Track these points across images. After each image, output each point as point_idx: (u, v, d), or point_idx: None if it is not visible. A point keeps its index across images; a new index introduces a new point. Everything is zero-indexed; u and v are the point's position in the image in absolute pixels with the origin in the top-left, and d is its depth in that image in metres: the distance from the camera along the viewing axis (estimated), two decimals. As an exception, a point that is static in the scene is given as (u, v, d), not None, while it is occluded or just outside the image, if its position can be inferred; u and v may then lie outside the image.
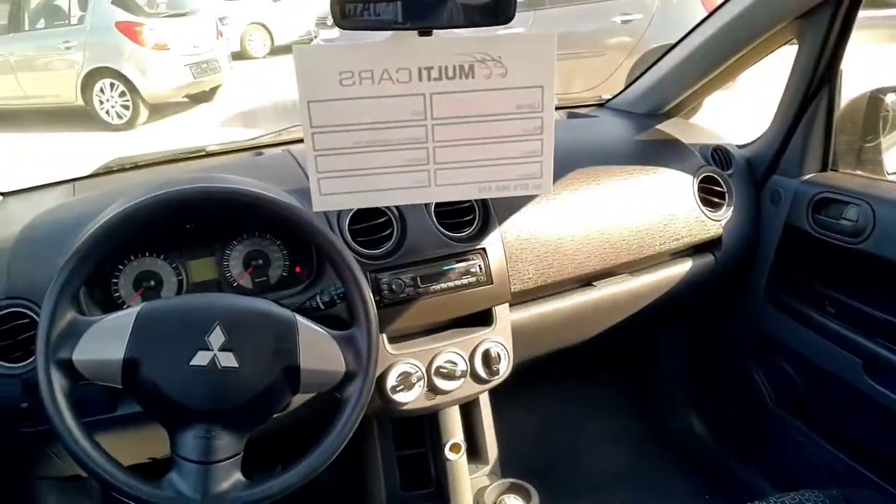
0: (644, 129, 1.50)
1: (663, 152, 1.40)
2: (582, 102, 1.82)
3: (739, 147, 1.52)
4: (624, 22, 5.82)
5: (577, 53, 5.88)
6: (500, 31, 0.98)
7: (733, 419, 1.65)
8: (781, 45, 1.39)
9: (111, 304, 1.05)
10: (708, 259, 1.39)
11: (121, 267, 1.05)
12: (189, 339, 0.80)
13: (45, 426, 0.96)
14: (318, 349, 0.86)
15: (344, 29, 0.86)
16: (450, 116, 0.94)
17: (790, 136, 1.38)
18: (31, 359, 0.96)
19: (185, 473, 0.80)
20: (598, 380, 1.83)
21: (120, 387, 0.81)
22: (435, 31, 0.89)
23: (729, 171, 1.42)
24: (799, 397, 1.44)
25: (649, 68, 1.62)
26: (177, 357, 0.79)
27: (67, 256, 0.80)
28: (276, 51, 11.21)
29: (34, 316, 0.97)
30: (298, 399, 0.99)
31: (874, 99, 1.37)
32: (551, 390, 1.75)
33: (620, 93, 1.71)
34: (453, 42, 0.90)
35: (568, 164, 1.29)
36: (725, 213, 1.38)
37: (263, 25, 11.39)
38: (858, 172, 1.37)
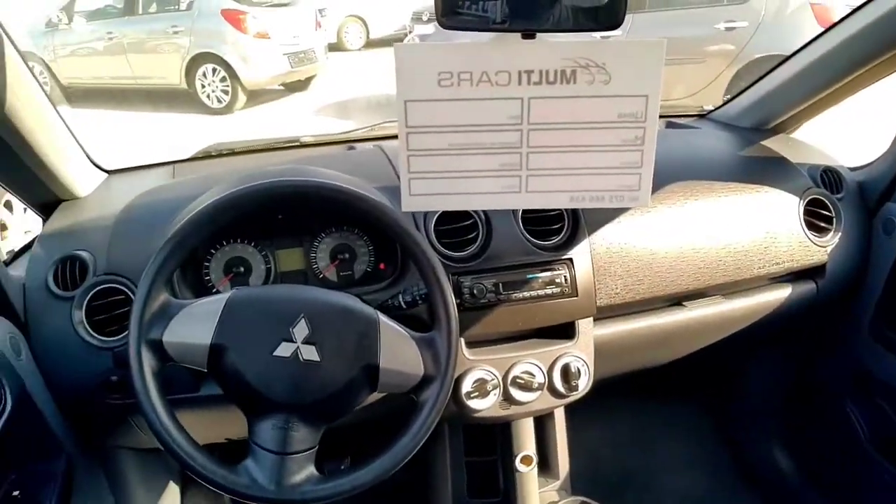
0: (748, 144, 1.43)
1: (768, 170, 1.33)
2: (682, 112, 1.75)
3: (851, 170, 1.42)
4: (728, 29, 5.59)
5: (675, 59, 5.69)
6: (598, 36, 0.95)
7: (822, 456, 1.55)
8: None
9: (201, 287, 1.08)
10: (809, 287, 1.30)
11: (213, 252, 1.08)
12: (274, 330, 0.81)
13: (131, 399, 1.00)
14: (399, 350, 0.85)
15: (445, 28, 0.84)
16: (546, 122, 0.92)
17: None
18: (124, 334, 1.00)
19: (261, 462, 0.81)
20: (679, 400, 1.76)
21: (205, 370, 0.82)
22: (538, 34, 0.87)
23: (839, 195, 1.33)
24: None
25: (758, 80, 1.53)
26: (261, 346, 0.81)
27: (165, 240, 0.82)
28: (371, 44, 11.41)
29: (129, 293, 1.01)
30: (372, 397, 0.99)
31: None
32: (628, 408, 1.69)
33: (724, 104, 1.63)
34: (558, 46, 0.88)
35: (665, 176, 1.24)
36: (832, 240, 1.29)
37: (360, 18, 11.60)
38: None
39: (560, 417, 1.30)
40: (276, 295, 0.87)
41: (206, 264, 1.08)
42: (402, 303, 0.98)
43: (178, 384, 1.01)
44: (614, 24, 0.93)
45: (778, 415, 1.67)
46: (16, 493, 0.94)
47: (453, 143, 0.92)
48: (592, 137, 0.94)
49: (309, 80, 8.20)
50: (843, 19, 1.30)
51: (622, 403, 1.68)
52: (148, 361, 0.80)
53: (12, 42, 0.97)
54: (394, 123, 1.63)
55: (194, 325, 0.82)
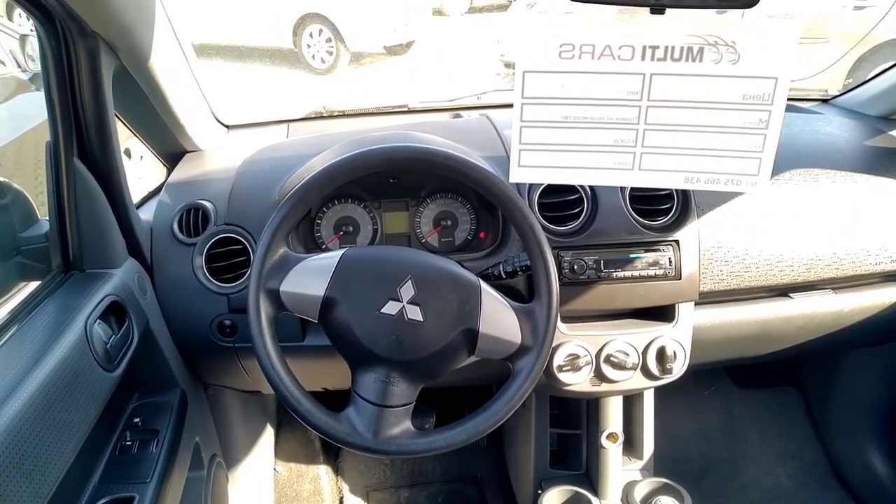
0: (875, 133, 1.35)
1: (894, 161, 1.25)
2: (805, 95, 1.66)
3: None
4: (857, 8, 5.22)
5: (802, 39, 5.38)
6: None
7: None
8: None
9: (312, 243, 1.13)
10: None
11: (324, 210, 1.12)
12: (382, 289, 0.84)
13: (241, 343, 1.07)
14: (498, 317, 0.87)
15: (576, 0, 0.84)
16: (667, 99, 0.91)
17: None
18: (240, 281, 1.07)
19: (362, 412, 0.85)
20: (771, 392, 1.70)
21: (316, 321, 0.87)
22: (667, 9, 0.85)
23: None
24: None
25: (891, 67, 1.44)
26: (370, 303, 0.84)
27: (286, 197, 0.86)
28: (473, 10, 11.29)
29: (247, 244, 1.07)
30: (469, 361, 1.02)
31: None
32: (718, 394, 1.65)
33: (850, 90, 1.54)
34: (687, 22, 0.86)
35: (783, 161, 1.19)
36: None
37: (465, -17, 11.48)
38: None
39: (649, 399, 1.29)
40: (386, 256, 0.90)
41: (318, 222, 1.12)
42: (503, 272, 0.99)
43: (286, 333, 1.06)
44: (750, 1, 0.89)
45: (876, 416, 1.59)
46: (137, 419, 1.03)
47: (568, 115, 0.91)
48: (714, 118, 0.91)
49: (409, 44, 8.23)
50: None
51: (717, 391, 1.64)
52: (265, 309, 0.85)
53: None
54: (500, 92, 1.62)
55: (310, 278, 0.86)
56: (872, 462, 1.57)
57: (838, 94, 1.59)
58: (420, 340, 0.84)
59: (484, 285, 0.88)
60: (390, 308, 0.84)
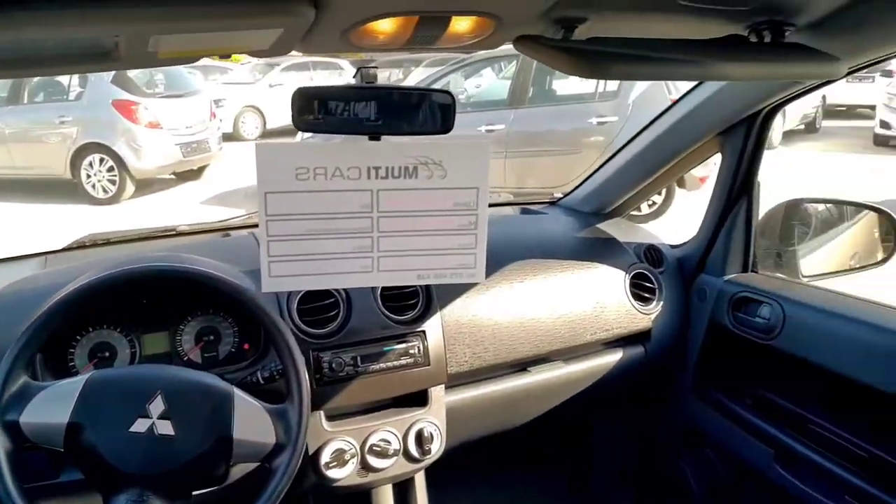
0: (586, 226, 1.62)
1: (601, 249, 1.52)
2: (538, 199, 1.95)
3: (673, 247, 1.64)
4: (599, 123, 6.17)
5: (557, 150, 6.22)
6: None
7: None
8: (709, 157, 1.54)
9: (65, 373, 1.10)
10: (638, 350, 1.48)
11: (78, 338, 1.11)
12: (130, 407, 0.86)
13: None
14: (252, 421, 0.92)
15: (299, 129, 0.97)
16: (394, 210, 1.05)
17: (715, 238, 1.50)
18: None
19: None
20: (537, 468, 1.86)
21: (62, 450, 0.85)
22: (383, 136, 1.01)
23: (661, 269, 1.53)
24: (721, 487, 1.50)
25: (596, 171, 1.76)
26: (117, 423, 0.85)
27: (25, 325, 0.87)
28: (267, 134, 11.55)
29: None
30: (237, 473, 1.04)
31: (791, 208, 1.51)
32: (489, 477, 1.77)
33: (571, 192, 1.84)
34: (401, 146, 1.02)
35: (511, 255, 1.40)
36: (655, 308, 1.48)
37: (258, 109, 11.77)
38: (778, 275, 1.49)
39: (421, 486, 1.37)
40: (134, 374, 0.92)
41: (71, 351, 1.11)
42: (261, 378, 1.04)
43: (37, 471, 1.01)
44: (446, 128, 1.09)
45: (626, 475, 1.80)
46: None
47: (311, 228, 1.03)
48: (434, 223, 1.08)
49: (202, 169, 8.18)
50: (652, 122, 1.55)
51: (483, 473, 1.76)
52: (3, 443, 0.82)
53: None
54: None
55: (52, 406, 0.85)
56: None
57: (562, 196, 1.89)
58: (172, 454, 0.86)
59: (238, 392, 0.93)
60: (139, 426, 0.85)
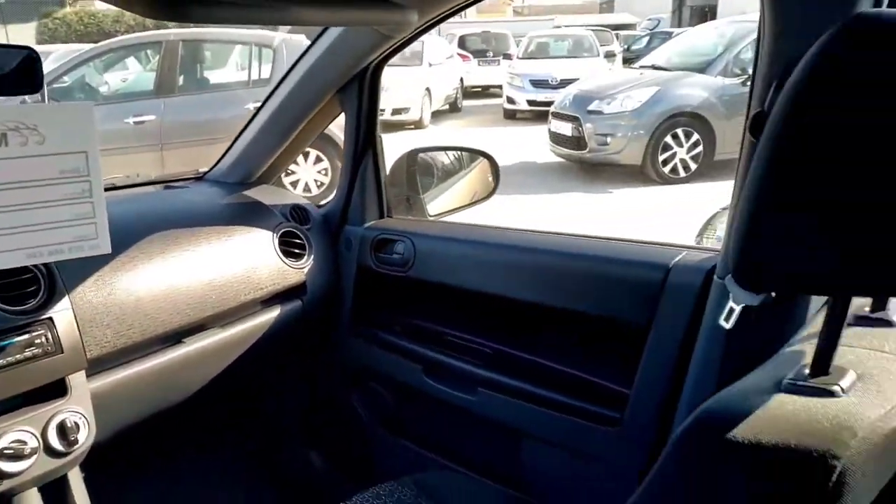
0: (230, 194, 1.63)
1: (247, 214, 1.53)
2: (181, 177, 1.88)
3: (319, 206, 1.74)
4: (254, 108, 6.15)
5: (217, 138, 6.04)
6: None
7: (343, 447, 1.80)
8: (336, 115, 1.65)
9: None
10: (296, 304, 1.54)
11: None
12: None
13: None
14: None
15: None
16: (-13, 185, 0.94)
17: (352, 192, 1.63)
18: None
19: None
20: (217, 446, 1.83)
21: None
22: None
23: (308, 226, 1.61)
24: (388, 411, 1.66)
25: (234, 142, 1.76)
26: None
27: None
28: None
29: None
30: None
31: (411, 157, 1.70)
32: (167, 465, 1.70)
33: (215, 165, 1.82)
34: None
35: (151, 228, 1.34)
36: (307, 263, 1.55)
37: None
38: (409, 217, 1.67)
39: (77, 485, 1.26)
40: None
41: None
42: None
43: None
44: (33, 88, 1.00)
45: (305, 424, 1.86)
46: None
47: None
48: (38, 195, 0.99)
49: None
50: (275, 88, 1.60)
51: (163, 460, 1.68)
52: None
53: None
54: None
55: None
56: (313, 461, 1.83)
57: (208, 170, 1.86)
58: None
59: None
60: None
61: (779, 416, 0.48)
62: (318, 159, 6.40)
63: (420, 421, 1.62)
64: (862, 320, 0.69)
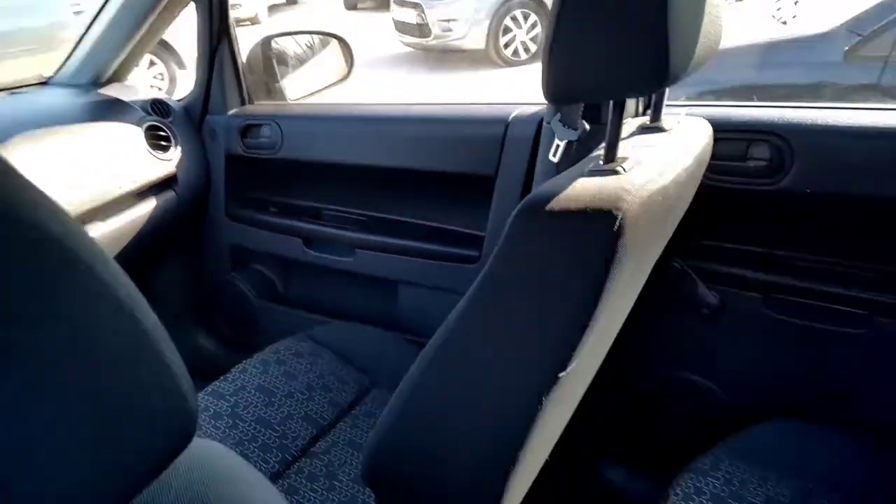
0: (86, 96, 1.62)
1: (108, 112, 1.55)
2: (24, 83, 1.81)
3: (179, 100, 1.76)
4: (77, 13, 5.63)
5: (30, 49, 5.49)
6: None
7: (229, 327, 1.93)
8: (183, 7, 1.65)
9: None
10: (170, 194, 1.61)
11: None
12: None
13: None
14: None
15: None
16: None
17: (210, 82, 1.67)
18: None
19: None
20: None
21: None
22: None
23: (170, 119, 1.65)
24: (272, 285, 1.81)
25: (78, 43, 1.72)
26: None
27: None
28: None
29: None
30: None
31: (266, 44, 1.76)
32: None
33: (58, 70, 1.77)
34: None
35: (4, 134, 1.33)
36: (174, 154, 1.62)
37: None
38: (271, 102, 1.75)
39: None
40: None
41: None
42: None
43: None
44: None
45: (193, 309, 1.94)
46: None
47: None
48: None
49: None
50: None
51: None
52: None
53: None
54: None
55: None
56: (201, 343, 1.93)
57: (52, 75, 1.80)
58: None
59: None
60: None
61: (580, 189, 0.68)
62: (152, 63, 6.01)
63: (302, 288, 1.78)
64: (644, 129, 0.93)
